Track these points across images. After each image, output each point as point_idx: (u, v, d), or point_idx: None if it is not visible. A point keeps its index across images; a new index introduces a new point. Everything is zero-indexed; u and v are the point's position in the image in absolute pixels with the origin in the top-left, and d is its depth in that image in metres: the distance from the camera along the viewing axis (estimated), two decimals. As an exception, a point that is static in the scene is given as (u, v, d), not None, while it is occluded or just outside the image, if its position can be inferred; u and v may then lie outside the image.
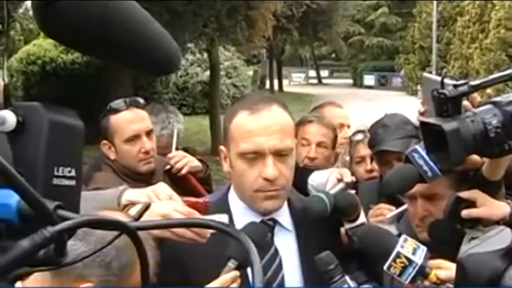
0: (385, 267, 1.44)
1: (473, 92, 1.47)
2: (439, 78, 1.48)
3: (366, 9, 43.55)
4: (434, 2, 32.91)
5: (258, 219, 1.61)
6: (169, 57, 0.75)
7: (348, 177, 1.79)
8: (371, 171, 2.65)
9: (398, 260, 1.43)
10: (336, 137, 2.81)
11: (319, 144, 2.70)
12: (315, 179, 2.08)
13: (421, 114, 1.93)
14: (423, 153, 1.56)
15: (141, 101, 2.57)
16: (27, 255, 0.52)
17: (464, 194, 1.61)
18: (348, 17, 36.61)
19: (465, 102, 1.49)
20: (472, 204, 1.59)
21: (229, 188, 1.74)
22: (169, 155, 2.73)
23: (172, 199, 1.59)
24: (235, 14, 12.71)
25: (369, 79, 43.70)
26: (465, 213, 1.57)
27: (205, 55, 18.24)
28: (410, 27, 39.93)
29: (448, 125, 1.35)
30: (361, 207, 1.74)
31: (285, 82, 39.61)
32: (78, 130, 0.67)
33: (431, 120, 1.42)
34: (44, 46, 15.43)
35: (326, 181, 1.86)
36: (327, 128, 2.75)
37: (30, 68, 15.31)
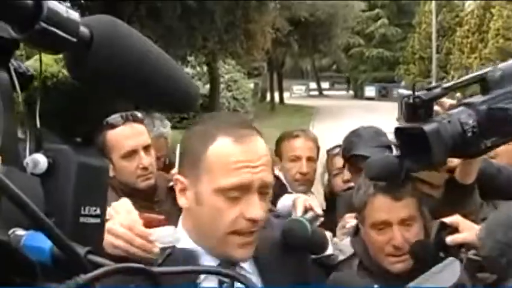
0: None
1: (447, 94, 1.49)
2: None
3: (365, 21, 43.67)
4: (434, 13, 33.06)
5: (214, 263, 1.37)
6: (190, 96, 0.79)
7: (319, 209, 1.75)
8: (348, 181, 2.67)
9: None
10: (319, 149, 2.83)
11: (308, 159, 2.72)
12: (279, 201, 2.07)
13: None
14: None
15: (139, 115, 2.50)
16: None
17: (446, 220, 1.58)
18: (347, 29, 36.73)
19: (436, 107, 1.50)
20: (454, 230, 1.56)
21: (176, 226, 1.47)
22: (172, 171, 2.67)
23: (130, 214, 1.49)
24: (234, 28, 12.82)
25: (370, 90, 43.70)
26: (449, 240, 1.54)
27: (205, 68, 18.34)
28: (410, 38, 40.10)
29: (428, 127, 1.37)
30: (329, 240, 1.69)
31: (286, 94, 39.70)
32: (103, 170, 0.72)
33: (410, 124, 1.42)
34: (45, 61, 15.51)
35: (292, 205, 1.82)
36: (313, 141, 2.78)
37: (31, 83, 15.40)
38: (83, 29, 0.65)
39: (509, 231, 1.16)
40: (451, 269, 1.03)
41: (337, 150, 2.79)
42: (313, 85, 51.44)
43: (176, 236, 1.51)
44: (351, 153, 2.46)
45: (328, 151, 2.90)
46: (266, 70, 36.42)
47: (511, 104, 1.42)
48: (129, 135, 2.42)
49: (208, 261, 1.37)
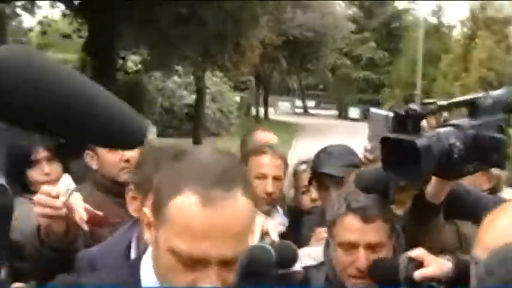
0: None
1: (441, 111, 1.53)
2: (385, 113, 1.55)
3: (354, 43, 44.14)
4: (421, 40, 33.55)
5: None
6: (130, 133, 0.73)
7: (275, 235, 1.63)
8: (315, 200, 2.66)
9: None
10: (287, 166, 2.71)
11: (275, 178, 2.56)
12: None
13: (368, 151, 2.00)
14: None
15: None
16: None
17: (411, 254, 1.57)
18: (336, 50, 37.11)
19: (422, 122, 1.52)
20: (420, 263, 1.56)
21: (140, 256, 1.30)
22: None
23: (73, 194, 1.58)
24: (224, 41, 12.89)
25: (354, 111, 44.03)
26: (418, 275, 1.52)
27: (192, 78, 18.41)
28: (396, 62, 40.60)
29: (420, 141, 1.40)
30: (298, 255, 1.64)
31: (271, 110, 39.78)
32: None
33: (402, 136, 1.43)
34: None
35: None
36: (281, 159, 2.64)
37: None
38: None
39: None
40: None
41: (304, 166, 2.78)
42: (298, 103, 51.59)
43: (69, 182, 1.58)
44: (318, 170, 2.45)
45: (295, 168, 2.84)
46: (253, 84, 36.52)
47: (499, 134, 1.45)
48: None
49: None
